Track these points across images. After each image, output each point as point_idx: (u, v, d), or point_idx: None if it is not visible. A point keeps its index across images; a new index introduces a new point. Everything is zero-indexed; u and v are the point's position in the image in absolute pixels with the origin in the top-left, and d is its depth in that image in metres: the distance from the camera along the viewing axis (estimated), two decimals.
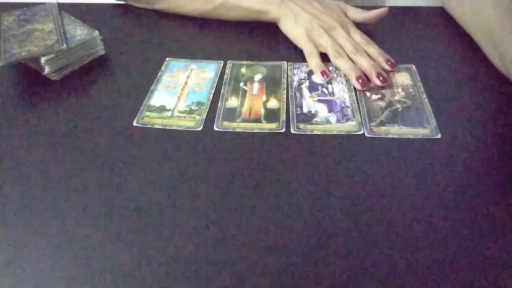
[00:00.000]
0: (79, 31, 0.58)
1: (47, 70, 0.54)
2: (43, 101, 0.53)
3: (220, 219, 0.40)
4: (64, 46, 0.54)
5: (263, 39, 0.63)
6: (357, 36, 0.58)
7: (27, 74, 0.57)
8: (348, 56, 0.56)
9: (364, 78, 0.53)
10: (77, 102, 0.53)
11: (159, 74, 0.57)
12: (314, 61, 0.56)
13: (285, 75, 0.56)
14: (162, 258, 0.37)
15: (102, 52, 0.59)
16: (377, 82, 0.53)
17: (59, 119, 0.51)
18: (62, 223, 0.40)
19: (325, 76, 0.55)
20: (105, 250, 0.38)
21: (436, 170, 0.44)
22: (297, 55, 0.59)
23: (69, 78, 0.56)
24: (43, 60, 0.54)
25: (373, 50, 0.56)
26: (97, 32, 0.58)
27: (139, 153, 0.46)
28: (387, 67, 0.55)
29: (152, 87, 0.55)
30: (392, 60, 0.55)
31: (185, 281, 0.35)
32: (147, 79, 0.56)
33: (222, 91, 0.54)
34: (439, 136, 0.47)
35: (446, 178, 0.43)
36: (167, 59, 0.60)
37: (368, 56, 0.55)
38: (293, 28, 0.60)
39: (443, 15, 0.67)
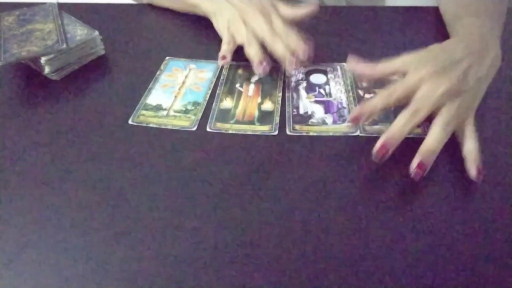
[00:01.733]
0: (79, 31, 0.58)
1: (47, 70, 0.55)
2: (43, 101, 0.53)
3: (213, 219, 0.40)
4: (64, 46, 0.54)
5: None
6: (279, 25, 0.56)
7: (27, 74, 0.57)
8: (267, 44, 0.55)
9: (266, 66, 0.53)
10: (77, 102, 0.53)
11: (157, 73, 0.57)
12: (222, 47, 0.56)
13: (282, 77, 0.56)
14: (155, 257, 0.37)
15: (102, 52, 0.60)
16: (288, 68, 0.53)
17: (59, 119, 0.51)
18: (61, 223, 0.40)
19: (223, 61, 0.55)
20: (103, 249, 0.38)
21: (431, 167, 0.43)
22: None
23: (69, 78, 0.56)
24: (43, 60, 0.54)
25: (292, 39, 0.54)
26: (97, 32, 0.58)
27: (133, 152, 0.46)
28: (301, 57, 0.53)
29: (150, 86, 0.55)
30: (309, 51, 0.53)
31: (178, 282, 0.35)
32: (147, 79, 0.56)
33: (217, 91, 0.54)
34: None
35: (440, 175, 0.43)
36: (167, 58, 0.60)
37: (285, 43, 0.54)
38: (219, 22, 0.60)
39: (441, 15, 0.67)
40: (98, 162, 0.45)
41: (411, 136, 0.47)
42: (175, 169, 0.44)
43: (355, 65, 0.50)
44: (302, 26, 0.58)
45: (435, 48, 0.49)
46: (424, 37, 0.63)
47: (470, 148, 0.44)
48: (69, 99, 0.53)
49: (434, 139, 0.43)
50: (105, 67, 0.59)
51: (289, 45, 0.53)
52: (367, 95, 0.53)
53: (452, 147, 0.46)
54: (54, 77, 0.56)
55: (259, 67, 0.53)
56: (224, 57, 0.55)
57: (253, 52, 0.54)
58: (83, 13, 0.64)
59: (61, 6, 0.63)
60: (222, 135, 0.48)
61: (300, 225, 0.39)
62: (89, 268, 0.36)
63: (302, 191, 0.42)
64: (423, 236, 0.38)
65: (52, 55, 0.54)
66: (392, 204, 0.41)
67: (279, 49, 0.53)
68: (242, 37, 0.56)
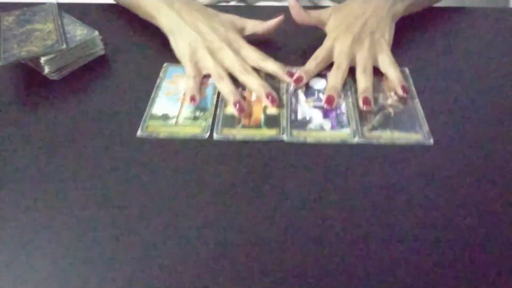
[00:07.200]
0: (79, 31, 0.58)
1: (47, 70, 0.55)
2: (43, 101, 0.53)
3: (220, 228, 0.40)
4: (64, 46, 0.54)
5: (259, 44, 0.59)
6: (250, 52, 0.55)
7: (27, 74, 0.57)
8: (240, 76, 0.53)
9: (242, 104, 0.50)
10: (77, 102, 0.53)
11: (158, 80, 0.55)
12: (188, 84, 0.53)
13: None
14: (163, 266, 0.37)
15: (102, 52, 0.59)
16: (267, 103, 0.51)
17: (59, 119, 0.51)
18: (61, 223, 0.40)
19: (192, 102, 0.51)
20: (103, 249, 0.38)
21: (430, 176, 0.43)
22: (295, 58, 0.58)
23: (69, 78, 0.56)
24: (43, 60, 0.54)
25: (272, 65, 0.54)
26: (97, 32, 0.58)
27: (139, 157, 0.46)
28: (288, 80, 0.53)
29: (152, 95, 0.53)
30: (294, 71, 0.53)
31: (178, 282, 0.35)
32: (147, 80, 0.56)
33: (220, 97, 0.53)
34: (431, 141, 0.46)
35: (439, 183, 0.43)
36: (165, 64, 0.58)
37: (259, 75, 0.53)
38: (178, 47, 0.57)
39: (443, 18, 0.67)
40: (98, 162, 0.45)
41: (403, 142, 0.47)
42: (186, 176, 0.44)
43: (294, 1, 0.58)
44: (299, 27, 0.58)
45: (343, 11, 0.59)
46: (422, 36, 0.63)
47: (392, 74, 0.53)
48: (69, 99, 0.53)
49: (360, 84, 0.52)
50: (105, 67, 0.58)
51: (269, 71, 0.55)
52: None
53: (445, 153, 0.45)
54: (54, 77, 0.56)
55: (235, 108, 0.50)
56: (193, 99, 0.51)
57: (227, 90, 0.52)
58: (83, 13, 0.64)
59: (61, 6, 0.63)
60: (230, 140, 0.47)
61: (297, 235, 0.39)
62: (89, 268, 0.36)
63: (300, 199, 0.42)
64: (424, 244, 0.38)
65: (52, 55, 0.54)
66: (390, 212, 0.40)
67: (253, 83, 0.52)
68: (209, 69, 0.54)
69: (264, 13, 0.69)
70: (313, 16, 0.59)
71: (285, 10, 0.70)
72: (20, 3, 0.65)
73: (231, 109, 0.51)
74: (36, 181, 0.44)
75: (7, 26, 0.59)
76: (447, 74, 0.56)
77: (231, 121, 0.50)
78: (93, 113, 0.51)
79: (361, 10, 0.57)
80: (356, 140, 0.47)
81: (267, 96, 0.51)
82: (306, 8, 0.71)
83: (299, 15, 0.58)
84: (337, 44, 0.55)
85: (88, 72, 0.57)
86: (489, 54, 0.60)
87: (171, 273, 0.36)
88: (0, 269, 0.37)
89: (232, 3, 0.76)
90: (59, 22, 0.59)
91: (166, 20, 0.59)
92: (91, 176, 0.44)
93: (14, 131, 0.49)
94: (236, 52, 0.55)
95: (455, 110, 0.51)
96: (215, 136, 0.48)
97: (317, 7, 0.73)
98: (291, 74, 0.53)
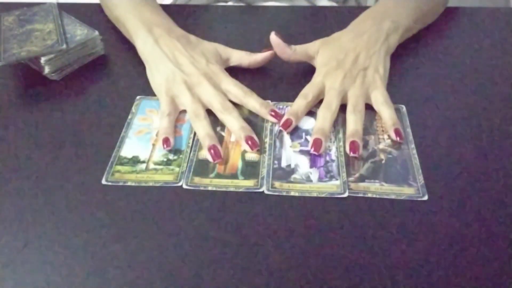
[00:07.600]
0: (79, 31, 0.58)
1: (47, 70, 0.55)
2: (43, 101, 0.53)
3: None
4: (64, 46, 0.54)
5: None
6: (231, 87, 0.50)
7: (27, 74, 0.57)
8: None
9: (217, 149, 0.45)
10: (77, 102, 0.53)
11: (129, 117, 0.50)
12: (162, 122, 0.48)
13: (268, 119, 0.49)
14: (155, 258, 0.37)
15: (102, 52, 0.60)
16: (246, 147, 0.46)
17: (59, 119, 0.51)
18: (61, 223, 0.40)
19: (164, 145, 0.45)
20: (103, 249, 0.38)
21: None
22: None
23: (69, 78, 0.56)
24: (43, 60, 0.54)
25: (254, 102, 0.49)
26: (97, 32, 0.58)
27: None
28: (271, 119, 0.49)
29: (122, 134, 0.48)
30: (278, 111, 0.49)
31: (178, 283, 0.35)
32: (147, 79, 0.56)
33: (196, 137, 0.47)
34: (426, 198, 0.41)
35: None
36: (138, 97, 0.53)
37: (240, 113, 0.48)
38: (153, 79, 0.53)
39: (444, 18, 0.66)
40: (99, 161, 0.45)
41: (394, 197, 0.41)
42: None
43: (276, 38, 0.53)
44: (292, 29, 0.55)
45: (332, 45, 0.55)
46: (420, 38, 0.63)
47: (385, 115, 0.48)
48: (69, 99, 0.53)
49: (349, 125, 0.47)
50: (105, 67, 0.59)
51: (251, 109, 0.50)
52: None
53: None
54: (54, 77, 0.56)
55: (209, 153, 0.45)
56: (166, 141, 0.46)
57: (202, 132, 0.46)
58: (83, 13, 0.64)
59: (61, 6, 0.63)
60: (202, 191, 0.42)
61: None
62: (89, 268, 0.36)
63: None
64: None
65: (52, 55, 0.54)
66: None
67: (232, 125, 0.47)
68: (186, 106, 0.49)
69: (264, 13, 0.69)
70: (300, 52, 0.54)
71: (284, 10, 0.71)
72: (20, 3, 0.66)
73: (205, 153, 0.45)
74: (36, 181, 0.44)
75: (7, 26, 0.59)
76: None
77: (204, 168, 0.44)
78: (93, 112, 0.51)
79: (353, 44, 0.53)
80: (346, 195, 0.41)
81: (247, 140, 0.45)
82: (303, 8, 0.72)
83: (283, 52, 0.54)
84: (327, 81, 0.50)
85: (88, 72, 0.57)
86: (492, 60, 0.58)
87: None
88: (0, 269, 0.37)
89: (230, 3, 0.76)
90: (59, 22, 0.59)
91: (142, 46, 0.55)
92: (92, 175, 0.44)
93: (14, 131, 0.49)
94: (217, 86, 0.50)
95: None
96: (184, 185, 0.43)
97: (315, 7, 0.73)
98: (275, 114, 0.48)
